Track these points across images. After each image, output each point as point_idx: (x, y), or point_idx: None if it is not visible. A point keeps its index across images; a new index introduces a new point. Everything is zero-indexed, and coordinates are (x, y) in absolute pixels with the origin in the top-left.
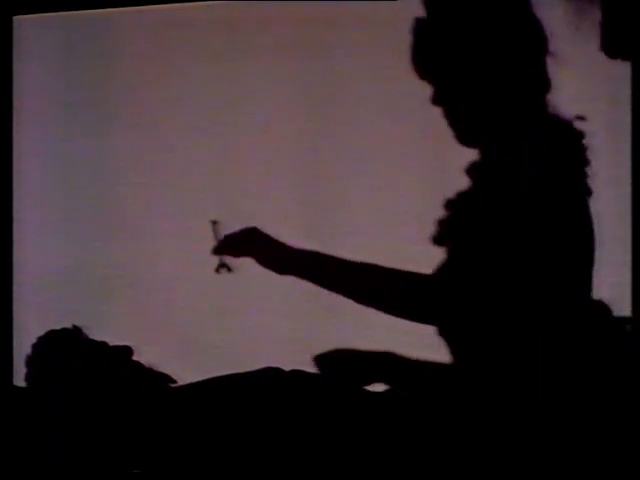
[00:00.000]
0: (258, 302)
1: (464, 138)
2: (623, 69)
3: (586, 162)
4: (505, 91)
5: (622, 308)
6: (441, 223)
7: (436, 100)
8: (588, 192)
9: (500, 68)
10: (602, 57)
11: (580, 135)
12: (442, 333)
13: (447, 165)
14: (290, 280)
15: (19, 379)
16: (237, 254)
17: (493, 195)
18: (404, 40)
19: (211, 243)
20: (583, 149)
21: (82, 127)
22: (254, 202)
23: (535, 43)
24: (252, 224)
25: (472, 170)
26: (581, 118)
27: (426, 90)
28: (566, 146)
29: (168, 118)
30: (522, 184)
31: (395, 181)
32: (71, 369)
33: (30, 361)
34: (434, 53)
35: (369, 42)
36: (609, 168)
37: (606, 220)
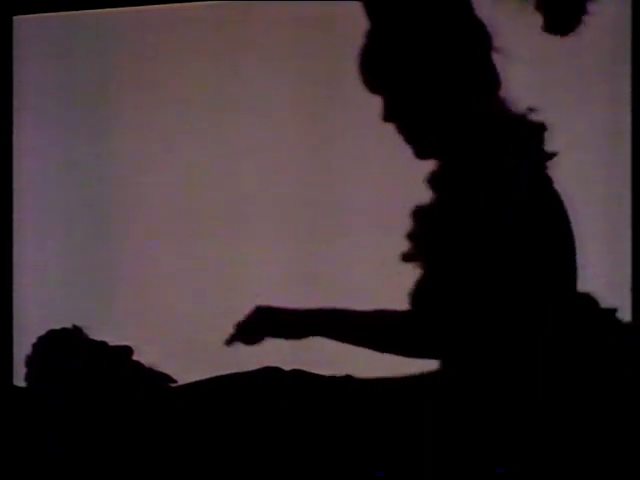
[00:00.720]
0: (258, 302)
1: (422, 152)
2: (623, 69)
3: (544, 151)
4: (456, 95)
5: (622, 308)
6: (412, 238)
7: (387, 117)
8: (550, 181)
9: (448, 72)
10: (602, 57)
11: (537, 126)
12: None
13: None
14: (290, 280)
15: (19, 379)
16: (252, 342)
17: (461, 203)
18: None
19: (211, 243)
20: (540, 139)
21: (82, 127)
22: (254, 202)
23: (480, 42)
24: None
25: (433, 181)
26: (532, 110)
27: None
28: (522, 140)
29: (168, 118)
30: (486, 186)
31: (395, 181)
32: (71, 369)
33: (30, 361)
34: (381, 66)
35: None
36: (609, 168)
37: (606, 220)
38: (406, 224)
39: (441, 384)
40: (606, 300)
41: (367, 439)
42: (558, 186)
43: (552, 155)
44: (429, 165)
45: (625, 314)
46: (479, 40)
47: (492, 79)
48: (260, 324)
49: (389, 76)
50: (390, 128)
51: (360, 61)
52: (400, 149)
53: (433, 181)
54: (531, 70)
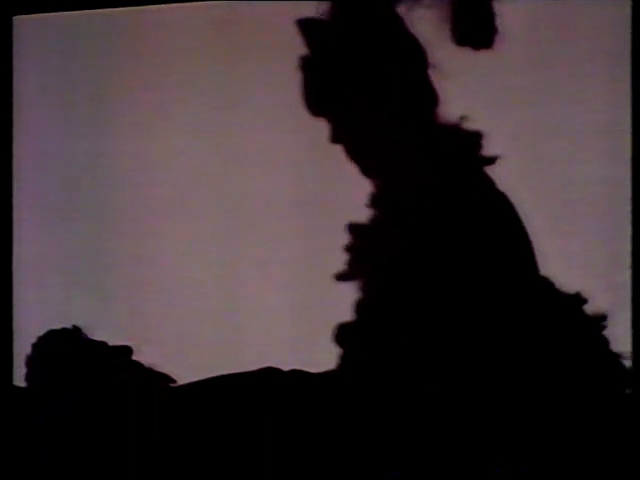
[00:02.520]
0: (258, 302)
1: (367, 171)
2: (623, 69)
3: (482, 157)
4: (396, 113)
5: (622, 308)
6: (353, 258)
7: (335, 139)
8: (492, 183)
9: (386, 91)
10: (602, 57)
11: (472, 134)
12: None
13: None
14: (290, 280)
15: (19, 379)
16: None
17: (406, 216)
18: None
19: (211, 243)
20: (476, 145)
21: (82, 127)
22: (254, 202)
23: (415, 59)
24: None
25: (375, 200)
26: (464, 118)
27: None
28: (458, 148)
29: (168, 118)
30: (429, 200)
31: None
32: (71, 369)
33: (30, 361)
34: (322, 90)
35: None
36: (609, 168)
37: (606, 220)
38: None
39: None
40: (606, 300)
41: (366, 439)
42: (558, 186)
43: (492, 160)
44: None
45: (625, 314)
46: (414, 58)
47: (430, 95)
48: None
49: (329, 101)
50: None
51: (301, 88)
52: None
53: (375, 200)
54: (532, 71)
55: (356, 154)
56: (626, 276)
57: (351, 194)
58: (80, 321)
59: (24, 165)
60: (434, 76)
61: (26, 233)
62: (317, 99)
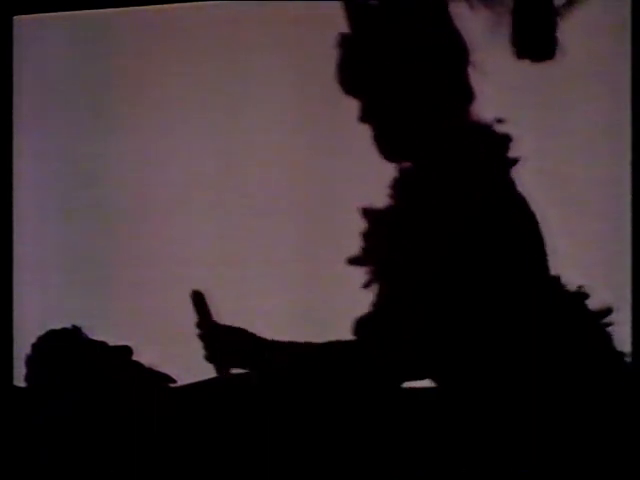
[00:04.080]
0: (258, 302)
1: (390, 156)
2: (623, 69)
3: (508, 159)
4: (429, 104)
5: (622, 309)
6: (369, 240)
7: (363, 118)
8: (513, 184)
9: (423, 82)
10: (602, 58)
11: (503, 137)
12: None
13: None
14: (290, 280)
15: (19, 379)
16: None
17: (424, 207)
18: None
19: (211, 242)
20: (505, 149)
21: (82, 127)
22: (254, 201)
23: (456, 55)
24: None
25: (397, 186)
26: (500, 121)
27: None
28: (486, 148)
29: (168, 118)
30: (450, 194)
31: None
32: (71, 369)
33: (30, 361)
34: (358, 69)
35: None
36: (609, 168)
37: (606, 220)
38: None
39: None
40: (606, 300)
41: (366, 439)
42: (558, 186)
43: (515, 161)
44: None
45: (625, 314)
46: (456, 53)
47: (465, 92)
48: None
49: (365, 79)
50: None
51: (338, 62)
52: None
53: (397, 186)
54: (532, 71)
55: (381, 137)
56: (626, 276)
57: (352, 194)
58: (80, 321)
59: (24, 165)
60: (473, 74)
61: (26, 233)
62: (351, 76)
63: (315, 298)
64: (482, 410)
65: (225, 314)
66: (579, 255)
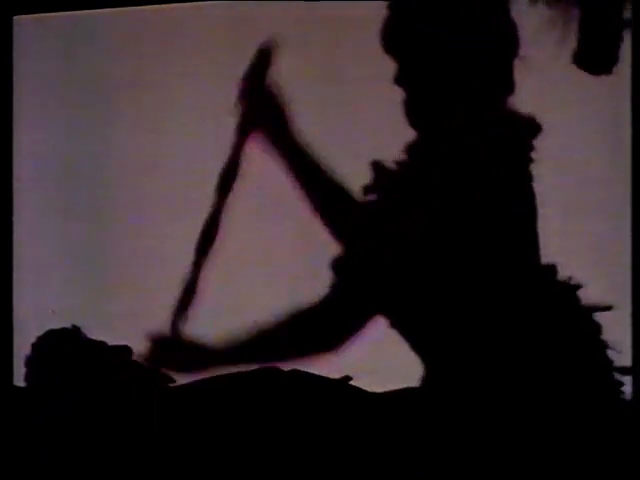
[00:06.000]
0: (258, 302)
1: (416, 123)
2: (623, 69)
3: (529, 156)
4: (466, 84)
5: (622, 309)
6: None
7: (398, 80)
8: (530, 178)
9: (468, 61)
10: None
11: (530, 132)
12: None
13: None
14: (291, 280)
15: (19, 379)
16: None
17: (432, 180)
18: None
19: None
20: (529, 144)
21: (82, 127)
22: (255, 201)
23: (507, 44)
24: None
25: (411, 151)
26: (532, 117)
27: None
28: (510, 141)
29: (168, 118)
30: (461, 176)
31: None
32: (71, 369)
33: (30, 361)
34: (406, 31)
35: (369, 42)
36: (609, 168)
37: (606, 220)
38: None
39: (437, 387)
40: (606, 300)
41: (366, 439)
42: (558, 186)
43: (533, 159)
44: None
45: (625, 314)
46: (506, 41)
47: (506, 82)
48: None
49: (408, 43)
50: (390, 127)
51: (386, 19)
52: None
53: (412, 150)
54: (531, 70)
55: (410, 102)
56: (626, 276)
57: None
58: (80, 321)
59: (24, 165)
60: (517, 66)
61: (26, 233)
62: (395, 37)
63: (315, 297)
64: (475, 401)
65: (225, 314)
66: (579, 255)
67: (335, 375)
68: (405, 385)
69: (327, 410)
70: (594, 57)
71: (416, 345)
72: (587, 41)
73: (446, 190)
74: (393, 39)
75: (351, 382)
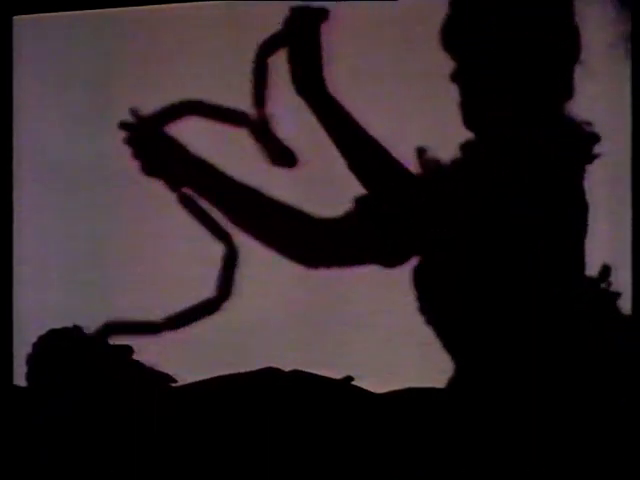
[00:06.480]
0: (258, 302)
1: (468, 122)
2: (623, 69)
3: (584, 163)
4: (523, 86)
5: (622, 308)
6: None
7: (455, 77)
8: (582, 192)
9: (529, 64)
10: (602, 57)
11: (588, 138)
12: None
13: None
14: (291, 280)
15: (19, 378)
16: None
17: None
18: (406, 40)
19: (211, 242)
20: (587, 151)
21: (82, 127)
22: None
23: (569, 50)
24: None
25: (465, 149)
26: (588, 124)
27: (426, 89)
28: (566, 145)
29: None
30: (516, 173)
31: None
32: (71, 368)
33: (31, 360)
34: (467, 29)
35: (369, 42)
36: (609, 168)
37: (606, 220)
38: None
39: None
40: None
41: (366, 440)
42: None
43: (585, 168)
44: None
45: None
46: (569, 46)
47: (565, 88)
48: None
49: (470, 42)
50: (389, 128)
51: (447, 16)
52: (399, 150)
53: (465, 148)
54: None
55: (464, 101)
56: (626, 276)
57: (353, 193)
58: (80, 321)
59: (24, 165)
60: (578, 72)
61: (26, 233)
62: (455, 34)
63: (317, 298)
64: (501, 404)
65: (225, 314)
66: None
67: (336, 375)
68: (407, 386)
69: (328, 411)
70: None
71: (448, 345)
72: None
73: (494, 194)
74: (454, 37)
75: (353, 382)
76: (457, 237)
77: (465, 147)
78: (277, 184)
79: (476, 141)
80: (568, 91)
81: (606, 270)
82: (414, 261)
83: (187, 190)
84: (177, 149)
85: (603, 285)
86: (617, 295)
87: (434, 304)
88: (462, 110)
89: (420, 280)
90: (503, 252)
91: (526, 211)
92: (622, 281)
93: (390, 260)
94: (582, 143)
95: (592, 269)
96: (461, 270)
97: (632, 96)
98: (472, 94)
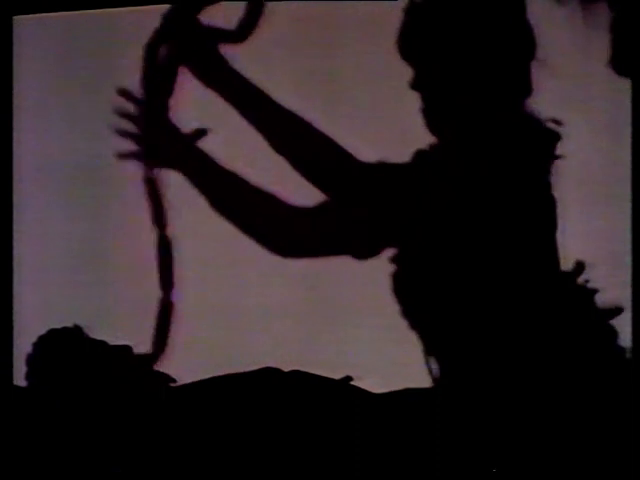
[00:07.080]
0: (258, 302)
1: (433, 126)
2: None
3: (549, 160)
4: (482, 88)
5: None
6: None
7: (414, 85)
8: (549, 186)
9: (484, 64)
10: (603, 58)
11: (550, 136)
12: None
13: None
14: (291, 280)
15: (19, 378)
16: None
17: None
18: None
19: (211, 242)
20: (550, 148)
21: (82, 127)
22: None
23: (523, 47)
24: None
25: (429, 155)
26: (557, 122)
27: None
28: (527, 141)
29: None
30: (480, 173)
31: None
32: (72, 368)
33: (31, 360)
34: (421, 37)
35: (369, 42)
36: (609, 168)
37: (606, 220)
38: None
39: (441, 386)
40: (606, 300)
41: (366, 440)
42: (557, 186)
43: (552, 162)
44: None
45: (625, 314)
46: (522, 44)
47: (523, 85)
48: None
49: (424, 49)
50: (389, 128)
51: (401, 26)
52: (399, 151)
53: (430, 154)
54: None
55: (426, 108)
56: (626, 276)
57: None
58: (80, 321)
59: (24, 165)
60: (535, 69)
61: (27, 232)
62: (411, 43)
63: (317, 297)
64: (487, 403)
65: (225, 314)
66: (579, 255)
67: (336, 375)
68: (406, 386)
69: (328, 411)
70: (628, 60)
71: (432, 347)
72: (620, 44)
73: (463, 194)
74: (409, 44)
75: (352, 382)
76: (427, 237)
77: (431, 149)
78: (277, 186)
79: (440, 144)
80: (526, 88)
81: (580, 266)
82: (386, 254)
83: (156, 172)
84: (168, 129)
85: (579, 281)
86: (594, 292)
87: (413, 308)
88: (424, 116)
89: (398, 285)
90: (474, 252)
91: (492, 209)
92: (622, 281)
93: (361, 252)
94: (542, 139)
95: (592, 269)
96: (435, 273)
97: (632, 96)
98: (432, 100)
